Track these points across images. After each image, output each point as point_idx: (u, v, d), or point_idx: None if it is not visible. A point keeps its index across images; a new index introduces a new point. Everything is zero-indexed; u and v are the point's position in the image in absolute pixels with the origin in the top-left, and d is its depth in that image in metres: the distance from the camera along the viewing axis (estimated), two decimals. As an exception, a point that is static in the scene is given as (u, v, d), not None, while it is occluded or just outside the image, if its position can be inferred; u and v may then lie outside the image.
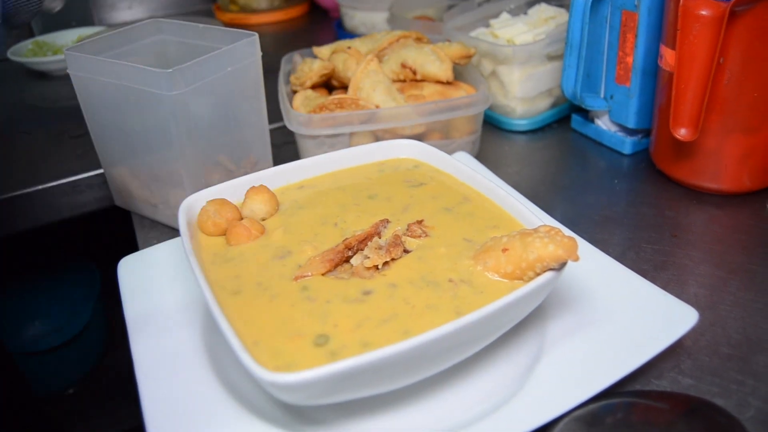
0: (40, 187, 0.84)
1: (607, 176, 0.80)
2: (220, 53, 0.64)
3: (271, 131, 0.77)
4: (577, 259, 0.43)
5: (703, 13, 0.60)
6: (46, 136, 0.97)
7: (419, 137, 0.77)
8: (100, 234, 1.10)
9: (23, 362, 1.15)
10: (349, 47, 0.83)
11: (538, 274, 0.45)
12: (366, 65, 0.77)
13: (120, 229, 0.84)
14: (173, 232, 0.73)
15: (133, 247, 0.72)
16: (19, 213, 0.85)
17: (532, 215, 0.52)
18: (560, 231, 0.46)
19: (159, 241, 0.72)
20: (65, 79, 1.15)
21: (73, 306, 1.17)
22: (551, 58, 0.89)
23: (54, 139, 0.96)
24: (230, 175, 0.72)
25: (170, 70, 0.59)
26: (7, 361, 1.13)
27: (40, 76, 1.23)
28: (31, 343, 1.12)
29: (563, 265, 0.45)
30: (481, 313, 0.41)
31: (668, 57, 0.69)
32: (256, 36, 0.68)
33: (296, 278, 0.48)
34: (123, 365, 0.52)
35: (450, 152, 0.78)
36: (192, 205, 0.55)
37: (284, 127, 0.77)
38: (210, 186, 0.57)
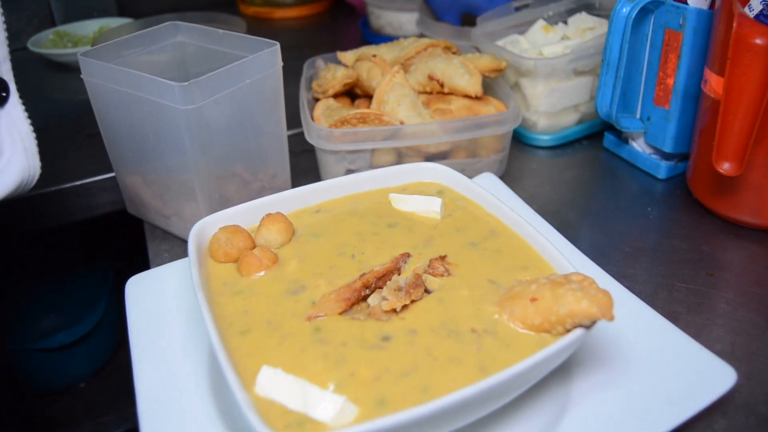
0: (53, 188, 0.82)
1: (640, 203, 0.76)
2: (239, 65, 0.61)
3: (290, 137, 0.74)
4: (612, 319, 0.40)
5: (758, 42, 0.56)
6: (62, 134, 0.95)
7: (444, 155, 0.74)
8: (112, 235, 1.09)
9: (33, 359, 1.14)
10: (374, 55, 0.80)
11: (567, 330, 0.42)
12: (391, 78, 0.73)
13: (132, 231, 0.82)
14: (185, 246, 0.70)
15: (144, 251, 0.70)
16: (33, 214, 0.83)
17: (563, 258, 0.48)
18: (594, 282, 0.43)
19: (170, 253, 0.69)
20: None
21: (84, 305, 1.16)
22: (578, 73, 0.85)
23: (69, 138, 0.94)
24: (246, 186, 0.69)
25: (186, 84, 0.56)
26: (13, 359, 1.12)
27: (60, 67, 1.21)
28: (42, 340, 1.12)
29: (595, 321, 0.42)
30: (507, 373, 0.38)
31: (713, 83, 0.65)
32: (278, 46, 0.65)
33: (309, 318, 0.45)
34: (131, 366, 0.50)
35: (476, 171, 0.75)
36: (203, 231, 0.52)
37: (303, 133, 0.74)
38: (225, 197, 0.54)
